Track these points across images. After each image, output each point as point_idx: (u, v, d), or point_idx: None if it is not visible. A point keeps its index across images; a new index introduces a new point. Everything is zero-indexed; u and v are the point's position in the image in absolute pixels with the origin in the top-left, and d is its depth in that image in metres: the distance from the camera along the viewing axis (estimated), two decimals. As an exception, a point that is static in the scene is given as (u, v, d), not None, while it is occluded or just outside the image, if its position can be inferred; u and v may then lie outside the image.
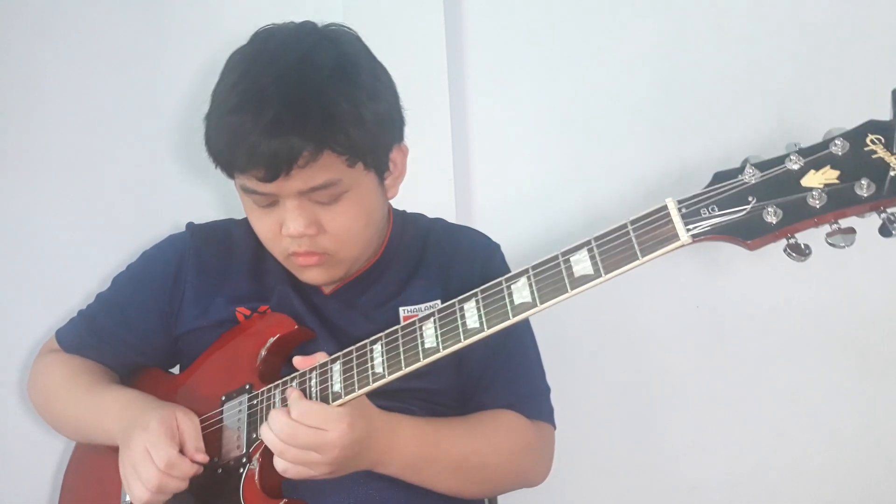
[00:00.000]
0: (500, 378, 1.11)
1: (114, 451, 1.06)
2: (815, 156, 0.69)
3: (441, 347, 0.86)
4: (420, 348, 0.87)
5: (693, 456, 1.51)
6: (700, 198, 0.73)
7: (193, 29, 1.72)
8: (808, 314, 1.45)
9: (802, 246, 0.70)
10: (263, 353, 1.07)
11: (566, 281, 0.78)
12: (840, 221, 0.68)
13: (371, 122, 0.98)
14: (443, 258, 1.16)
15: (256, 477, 0.97)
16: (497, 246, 1.21)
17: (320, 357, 0.96)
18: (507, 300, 0.82)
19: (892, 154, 0.66)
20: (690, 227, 0.73)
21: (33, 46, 1.70)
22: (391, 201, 1.21)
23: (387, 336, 0.92)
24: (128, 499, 1.08)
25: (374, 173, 1.04)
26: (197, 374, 1.14)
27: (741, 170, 0.72)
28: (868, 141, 0.67)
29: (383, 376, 0.89)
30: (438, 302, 1.12)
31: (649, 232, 0.75)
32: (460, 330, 0.85)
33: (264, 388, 1.02)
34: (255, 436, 1.00)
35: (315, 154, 0.95)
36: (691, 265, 1.54)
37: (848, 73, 1.43)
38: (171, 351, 1.20)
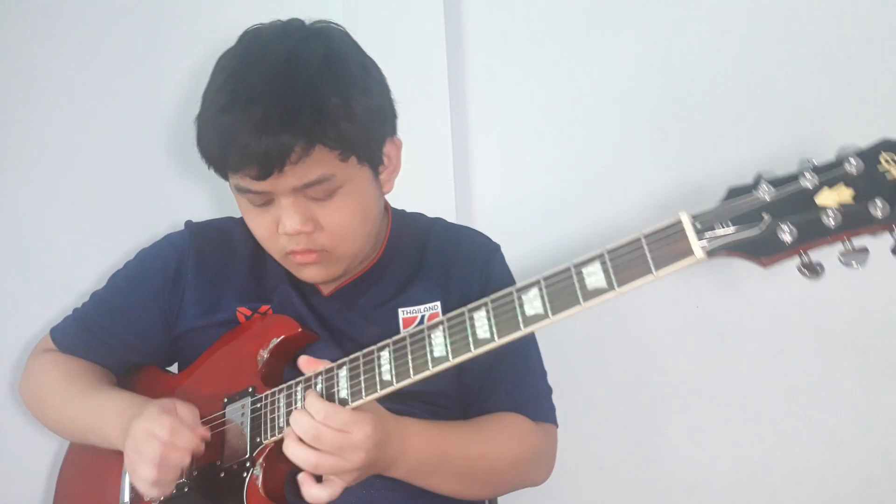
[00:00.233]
0: (504, 381, 1.11)
1: (110, 450, 1.05)
2: (830, 174, 0.69)
3: (451, 357, 0.86)
4: (429, 356, 0.87)
5: (693, 456, 1.51)
6: (714, 213, 0.73)
7: (193, 30, 1.72)
8: (808, 314, 1.45)
9: (815, 264, 0.70)
10: (266, 355, 1.06)
11: (579, 294, 0.78)
12: (853, 240, 0.69)
13: (362, 116, 0.98)
14: (443, 259, 1.16)
15: (260, 482, 0.97)
16: (497, 246, 1.21)
17: (327, 362, 0.96)
18: (519, 311, 0.82)
19: (906, 174, 0.66)
20: (705, 243, 0.73)
21: (33, 47, 1.68)
22: (389, 200, 1.20)
23: (395, 343, 0.91)
24: (127, 499, 1.07)
25: (368, 167, 1.03)
26: (197, 373, 1.14)
27: (755, 185, 0.72)
28: (882, 160, 0.67)
29: (391, 384, 0.89)
30: (438, 303, 1.12)
31: (663, 246, 0.74)
32: (470, 340, 0.85)
33: (268, 392, 1.02)
34: (259, 440, 1.00)
35: (307, 149, 0.94)
36: (691, 266, 1.54)
37: (859, 81, 1.42)
38: (170, 349, 1.20)
